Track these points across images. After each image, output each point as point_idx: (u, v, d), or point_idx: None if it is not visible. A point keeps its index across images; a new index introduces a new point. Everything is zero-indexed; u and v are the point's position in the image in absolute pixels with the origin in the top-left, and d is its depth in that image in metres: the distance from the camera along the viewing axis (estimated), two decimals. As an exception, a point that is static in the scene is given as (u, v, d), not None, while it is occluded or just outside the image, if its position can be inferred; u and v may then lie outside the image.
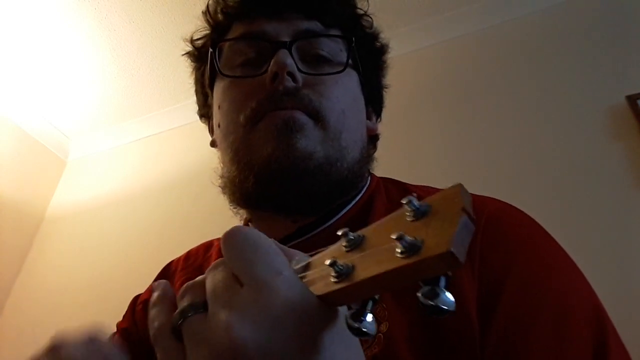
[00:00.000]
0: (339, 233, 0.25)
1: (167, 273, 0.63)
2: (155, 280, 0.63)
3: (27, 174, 2.08)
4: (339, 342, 0.25)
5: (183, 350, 0.26)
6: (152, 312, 0.29)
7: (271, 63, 0.48)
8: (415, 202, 0.23)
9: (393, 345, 0.37)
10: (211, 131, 0.63)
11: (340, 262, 0.24)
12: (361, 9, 0.59)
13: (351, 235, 0.25)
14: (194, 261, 0.62)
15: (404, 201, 0.23)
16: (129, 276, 1.58)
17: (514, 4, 1.63)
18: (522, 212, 0.47)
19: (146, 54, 1.86)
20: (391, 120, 1.67)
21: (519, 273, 0.39)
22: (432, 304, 0.20)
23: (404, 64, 1.75)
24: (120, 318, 0.62)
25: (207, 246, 0.64)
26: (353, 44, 0.53)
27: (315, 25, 0.53)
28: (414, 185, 0.54)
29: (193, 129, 2.04)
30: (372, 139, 0.61)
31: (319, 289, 0.25)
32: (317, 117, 0.48)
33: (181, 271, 0.60)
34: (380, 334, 0.38)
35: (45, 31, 1.76)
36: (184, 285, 0.29)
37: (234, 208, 0.57)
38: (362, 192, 0.54)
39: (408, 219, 0.23)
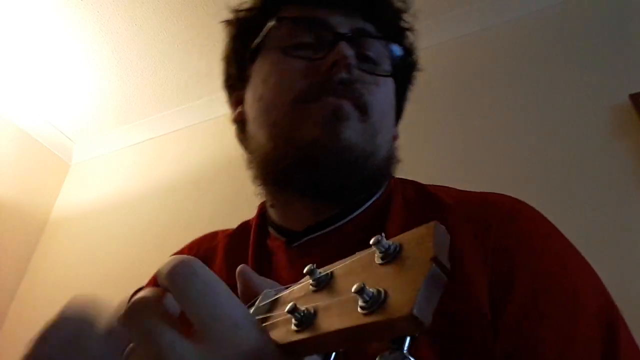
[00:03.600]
0: (305, 270, 0.24)
1: None
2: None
3: (31, 177, 2.09)
4: None
5: None
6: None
7: (335, 51, 0.49)
8: (384, 243, 0.21)
9: (417, 352, 0.38)
10: (235, 105, 0.62)
11: (301, 307, 0.22)
12: (409, 24, 0.61)
13: (319, 274, 0.24)
14: (197, 251, 0.62)
15: (372, 241, 0.22)
16: (133, 278, 1.58)
17: (517, 3, 1.63)
18: (536, 210, 0.48)
19: (149, 56, 1.86)
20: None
21: (531, 268, 0.40)
22: None
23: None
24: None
25: (211, 236, 0.65)
26: (402, 53, 0.56)
27: (370, 27, 0.55)
28: (433, 186, 0.55)
29: (196, 131, 2.05)
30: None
31: (280, 336, 0.23)
32: (364, 110, 0.50)
33: None
34: None
35: (48, 35, 1.77)
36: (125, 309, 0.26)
37: (259, 186, 0.57)
38: (381, 191, 0.55)
39: (377, 261, 0.21)
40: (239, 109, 0.60)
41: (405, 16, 0.60)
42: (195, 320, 0.23)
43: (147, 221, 1.87)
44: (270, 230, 0.58)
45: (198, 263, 0.25)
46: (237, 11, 0.63)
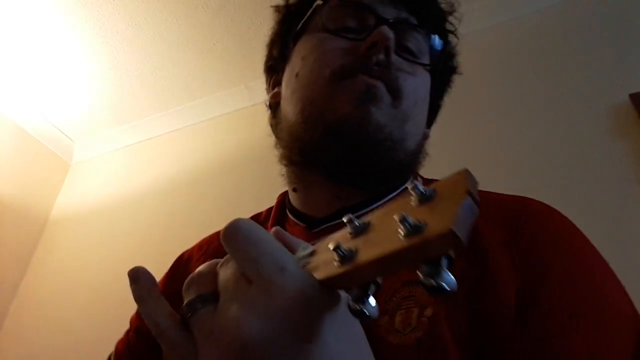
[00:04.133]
0: (344, 219, 0.26)
1: (180, 263, 0.63)
2: (170, 271, 0.63)
3: (31, 176, 2.09)
4: (340, 324, 0.26)
5: (192, 342, 0.26)
6: (147, 307, 0.29)
7: (373, 33, 0.50)
8: (420, 187, 0.23)
9: (437, 329, 0.37)
10: (272, 87, 0.62)
11: (343, 246, 0.24)
12: (453, 25, 0.62)
13: (356, 222, 0.25)
14: (208, 248, 0.62)
15: (409, 186, 0.23)
16: (133, 278, 1.58)
17: (517, 3, 1.63)
18: (561, 213, 0.48)
19: (148, 57, 1.86)
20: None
21: (561, 268, 0.39)
22: (434, 284, 0.20)
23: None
24: (124, 319, 0.62)
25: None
26: (443, 49, 0.57)
27: (414, 20, 0.55)
28: None
29: (195, 131, 2.05)
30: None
31: (322, 273, 0.25)
32: (396, 95, 0.50)
33: (197, 261, 0.60)
34: (425, 318, 0.38)
35: (49, 35, 1.77)
36: (190, 277, 0.29)
37: (285, 166, 0.57)
38: (404, 186, 0.55)
39: (413, 204, 0.23)
40: (275, 90, 0.61)
41: (450, 17, 0.61)
42: (246, 269, 0.26)
43: (147, 220, 1.87)
44: (290, 216, 0.57)
45: (243, 220, 0.28)
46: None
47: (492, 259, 0.40)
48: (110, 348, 0.61)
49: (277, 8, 0.64)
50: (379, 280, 0.24)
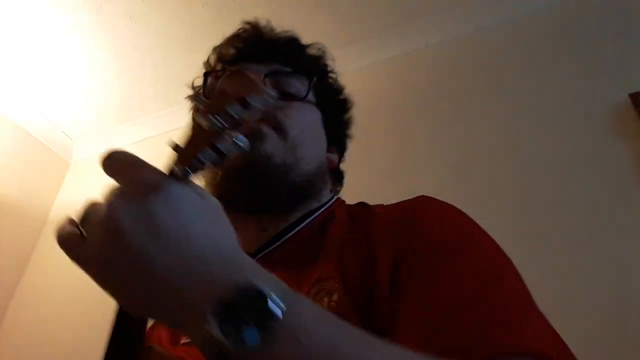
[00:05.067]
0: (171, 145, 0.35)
1: None
2: None
3: (30, 175, 2.09)
4: (185, 197, 0.34)
5: (82, 237, 0.34)
6: (56, 229, 0.36)
7: None
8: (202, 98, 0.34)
9: (343, 308, 0.45)
10: None
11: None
12: (326, 64, 0.75)
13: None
14: None
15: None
16: (132, 277, 1.58)
17: (517, 3, 1.63)
18: (447, 203, 0.54)
19: (149, 54, 1.86)
20: (393, 118, 1.68)
21: (428, 231, 0.47)
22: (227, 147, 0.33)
23: (405, 63, 1.75)
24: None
25: None
26: (313, 81, 0.67)
27: (286, 69, 0.67)
28: (376, 205, 0.61)
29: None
30: (335, 172, 0.74)
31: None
32: (279, 129, 0.60)
33: None
34: (333, 302, 0.46)
35: (48, 33, 1.77)
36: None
37: None
38: (324, 208, 0.64)
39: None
40: None
41: (320, 57, 0.74)
42: (117, 178, 0.34)
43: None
44: None
45: (112, 149, 0.36)
46: (192, 86, 0.77)
47: (378, 247, 0.48)
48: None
49: (189, 97, 0.77)
50: (202, 158, 0.33)
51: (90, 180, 2.17)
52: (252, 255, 0.58)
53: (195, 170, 0.33)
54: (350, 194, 0.75)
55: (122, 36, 1.79)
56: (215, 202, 0.36)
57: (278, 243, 0.58)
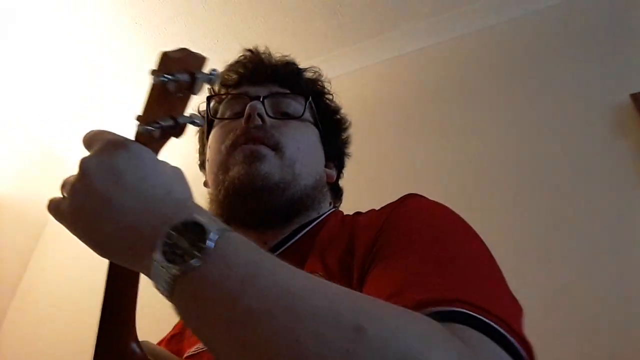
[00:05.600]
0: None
1: None
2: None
3: (31, 176, 2.09)
4: (144, 153, 0.40)
5: (63, 198, 0.41)
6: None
7: (246, 109, 0.66)
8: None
9: None
10: (206, 174, 0.77)
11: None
12: (323, 85, 0.79)
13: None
14: None
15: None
16: (133, 277, 1.58)
17: (517, 3, 1.63)
18: (434, 201, 0.55)
19: (149, 54, 1.86)
20: (394, 116, 1.67)
21: (401, 219, 0.49)
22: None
23: (405, 64, 1.75)
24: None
25: None
26: (309, 100, 0.72)
27: (284, 90, 0.72)
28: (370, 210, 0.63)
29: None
30: (334, 187, 0.77)
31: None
32: (277, 148, 0.64)
33: None
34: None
35: (47, 33, 1.77)
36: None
37: None
38: (321, 218, 0.67)
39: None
40: (206, 178, 0.76)
41: (316, 79, 0.78)
42: (90, 146, 0.41)
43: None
44: None
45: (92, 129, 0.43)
46: (198, 110, 0.80)
47: (359, 237, 0.51)
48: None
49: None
50: (161, 122, 0.41)
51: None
52: None
53: (152, 130, 0.40)
54: (345, 198, 0.78)
55: (122, 37, 1.79)
56: (176, 167, 0.42)
57: (278, 252, 0.61)
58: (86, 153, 0.42)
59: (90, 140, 0.42)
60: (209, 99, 0.74)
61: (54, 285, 1.87)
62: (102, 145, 0.39)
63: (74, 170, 0.40)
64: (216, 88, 0.76)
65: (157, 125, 0.40)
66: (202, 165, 0.81)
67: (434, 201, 0.54)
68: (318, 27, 1.73)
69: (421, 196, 0.55)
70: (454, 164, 1.42)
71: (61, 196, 0.42)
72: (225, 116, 0.71)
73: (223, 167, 0.65)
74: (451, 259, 0.41)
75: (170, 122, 0.41)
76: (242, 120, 0.65)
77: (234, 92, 0.73)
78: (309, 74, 0.78)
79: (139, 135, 0.41)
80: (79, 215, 0.38)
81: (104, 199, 0.36)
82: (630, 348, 0.98)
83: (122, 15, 1.72)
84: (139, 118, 0.41)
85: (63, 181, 0.43)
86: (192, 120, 0.42)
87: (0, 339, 1.83)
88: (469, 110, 1.52)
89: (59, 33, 1.77)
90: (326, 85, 0.80)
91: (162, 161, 0.41)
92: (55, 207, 0.42)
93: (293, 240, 0.63)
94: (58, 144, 2.22)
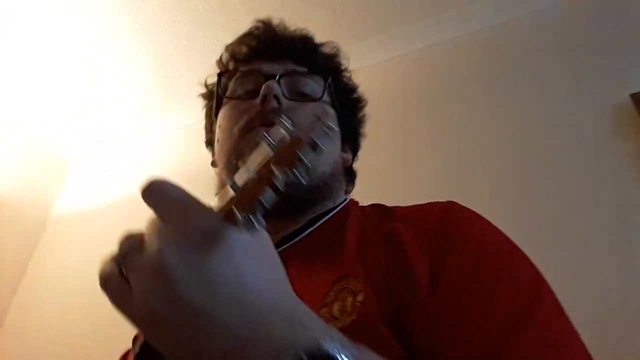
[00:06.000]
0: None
1: None
2: None
3: (31, 175, 2.09)
4: (246, 244, 0.31)
5: (127, 283, 0.30)
6: (100, 267, 0.34)
7: (262, 89, 0.61)
8: (269, 139, 0.30)
9: (368, 310, 0.43)
10: (213, 153, 0.73)
11: (237, 183, 0.30)
12: (340, 62, 0.74)
13: (233, 184, 0.31)
14: None
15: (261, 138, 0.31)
16: (133, 277, 1.58)
17: (517, 3, 1.63)
18: (468, 208, 0.54)
19: (149, 54, 1.86)
20: (394, 117, 1.67)
21: (462, 246, 0.46)
22: (248, 219, 0.28)
23: (405, 64, 1.75)
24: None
25: None
26: (328, 81, 0.66)
27: (301, 68, 0.66)
28: (399, 207, 0.59)
29: (197, 130, 2.04)
30: (348, 171, 0.73)
31: (220, 204, 0.31)
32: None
33: None
34: (357, 303, 0.44)
35: (47, 34, 1.77)
36: (121, 236, 0.34)
37: None
38: (339, 209, 0.62)
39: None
40: (213, 158, 0.71)
41: (335, 56, 0.73)
42: (161, 213, 0.32)
43: (146, 219, 1.87)
44: None
45: (157, 179, 0.34)
46: (205, 84, 0.77)
47: (408, 249, 0.46)
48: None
49: (202, 95, 0.79)
50: (264, 201, 0.29)
51: (90, 181, 2.17)
52: None
53: (259, 217, 0.29)
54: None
55: (121, 37, 1.79)
56: (265, 238, 0.34)
57: (290, 243, 0.57)
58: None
59: (164, 207, 0.32)
60: (219, 75, 0.68)
61: (54, 285, 1.87)
62: (190, 234, 0.29)
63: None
64: (225, 61, 0.71)
65: (261, 207, 0.29)
66: (208, 143, 0.77)
67: (488, 222, 0.51)
68: (318, 27, 1.73)
69: (473, 212, 0.52)
70: (453, 165, 1.42)
71: (121, 277, 0.31)
72: (237, 95, 0.66)
73: (235, 150, 0.60)
74: (530, 312, 0.39)
75: (272, 196, 0.30)
76: (257, 101, 0.61)
77: (246, 68, 0.67)
78: (326, 50, 0.72)
79: (237, 222, 0.29)
80: (157, 325, 0.29)
81: (197, 315, 0.28)
82: (631, 349, 0.98)
83: (122, 15, 1.72)
84: (238, 202, 0.29)
85: (125, 250, 0.32)
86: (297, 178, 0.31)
87: (1, 339, 1.83)
88: (467, 110, 1.52)
89: (59, 33, 1.77)
90: (344, 61, 0.75)
91: (259, 247, 0.33)
92: (117, 295, 0.31)
93: (311, 230, 0.58)
94: (58, 144, 2.22)
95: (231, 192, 0.30)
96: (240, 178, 0.30)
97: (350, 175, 0.74)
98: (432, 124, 1.55)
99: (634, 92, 1.27)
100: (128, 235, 0.34)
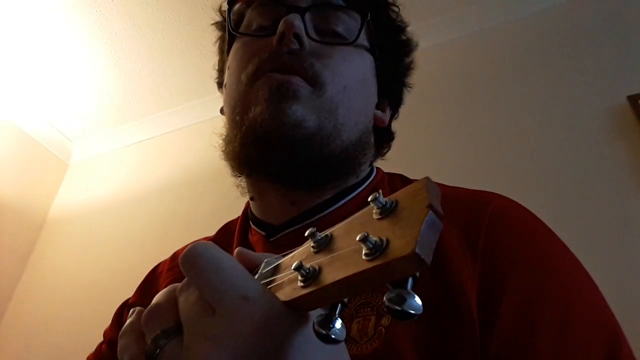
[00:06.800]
0: (307, 234, 0.25)
1: (153, 276, 0.62)
2: (142, 283, 0.63)
3: (29, 176, 2.08)
4: (311, 346, 0.25)
5: None
6: (122, 342, 0.28)
7: (280, 24, 0.47)
8: (381, 199, 0.22)
9: (394, 338, 0.36)
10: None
11: (306, 265, 0.23)
12: None
13: (319, 236, 0.25)
14: (177, 262, 0.61)
15: (370, 198, 0.23)
16: (131, 278, 1.57)
17: (516, 4, 1.63)
18: (526, 209, 0.46)
19: (147, 56, 1.86)
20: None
21: (522, 272, 0.38)
22: (399, 309, 0.20)
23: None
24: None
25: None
26: (368, 19, 0.51)
27: (339, 1, 0.51)
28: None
29: (194, 131, 2.04)
30: (382, 132, 0.59)
31: (287, 294, 0.25)
32: (316, 83, 0.46)
33: (167, 272, 0.59)
34: (382, 327, 0.37)
35: (46, 34, 1.77)
36: (148, 309, 0.28)
37: (236, 177, 0.55)
38: (365, 185, 0.52)
39: (375, 217, 0.22)
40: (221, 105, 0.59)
41: None
42: (209, 298, 0.25)
43: (145, 220, 1.87)
44: (252, 225, 0.55)
45: (202, 245, 0.27)
46: (220, 10, 0.63)
47: (451, 263, 0.38)
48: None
49: (216, 24, 0.63)
50: (346, 300, 0.23)
51: (89, 182, 2.17)
52: (277, 229, 0.50)
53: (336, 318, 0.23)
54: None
55: (120, 38, 1.79)
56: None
57: (310, 220, 0.48)
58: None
59: (206, 283, 0.25)
60: (230, 3, 0.54)
61: (52, 286, 1.87)
62: (247, 329, 0.24)
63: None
64: None
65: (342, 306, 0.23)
66: (220, 85, 0.62)
67: (542, 224, 0.44)
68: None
69: (523, 214, 0.44)
70: (448, 164, 1.42)
71: (142, 356, 0.26)
72: (251, 30, 0.52)
73: (241, 102, 0.48)
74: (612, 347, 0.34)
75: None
76: (273, 40, 0.47)
77: None
78: None
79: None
80: None
81: None
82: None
83: (122, 16, 1.72)
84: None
85: (151, 332, 0.27)
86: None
87: (-2, 339, 1.82)
88: (465, 110, 1.52)
89: (59, 33, 1.77)
90: None
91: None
92: None
93: (333, 208, 0.49)
94: (57, 144, 2.22)
95: (296, 267, 0.24)
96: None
97: (385, 137, 0.61)
98: (430, 123, 1.55)
99: (631, 94, 1.27)
100: (157, 310, 0.28)
